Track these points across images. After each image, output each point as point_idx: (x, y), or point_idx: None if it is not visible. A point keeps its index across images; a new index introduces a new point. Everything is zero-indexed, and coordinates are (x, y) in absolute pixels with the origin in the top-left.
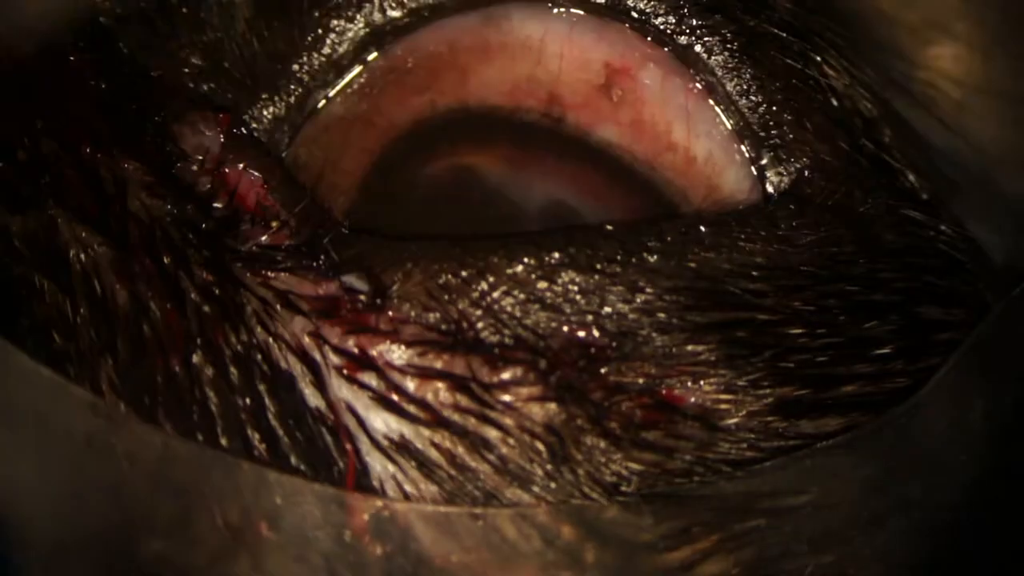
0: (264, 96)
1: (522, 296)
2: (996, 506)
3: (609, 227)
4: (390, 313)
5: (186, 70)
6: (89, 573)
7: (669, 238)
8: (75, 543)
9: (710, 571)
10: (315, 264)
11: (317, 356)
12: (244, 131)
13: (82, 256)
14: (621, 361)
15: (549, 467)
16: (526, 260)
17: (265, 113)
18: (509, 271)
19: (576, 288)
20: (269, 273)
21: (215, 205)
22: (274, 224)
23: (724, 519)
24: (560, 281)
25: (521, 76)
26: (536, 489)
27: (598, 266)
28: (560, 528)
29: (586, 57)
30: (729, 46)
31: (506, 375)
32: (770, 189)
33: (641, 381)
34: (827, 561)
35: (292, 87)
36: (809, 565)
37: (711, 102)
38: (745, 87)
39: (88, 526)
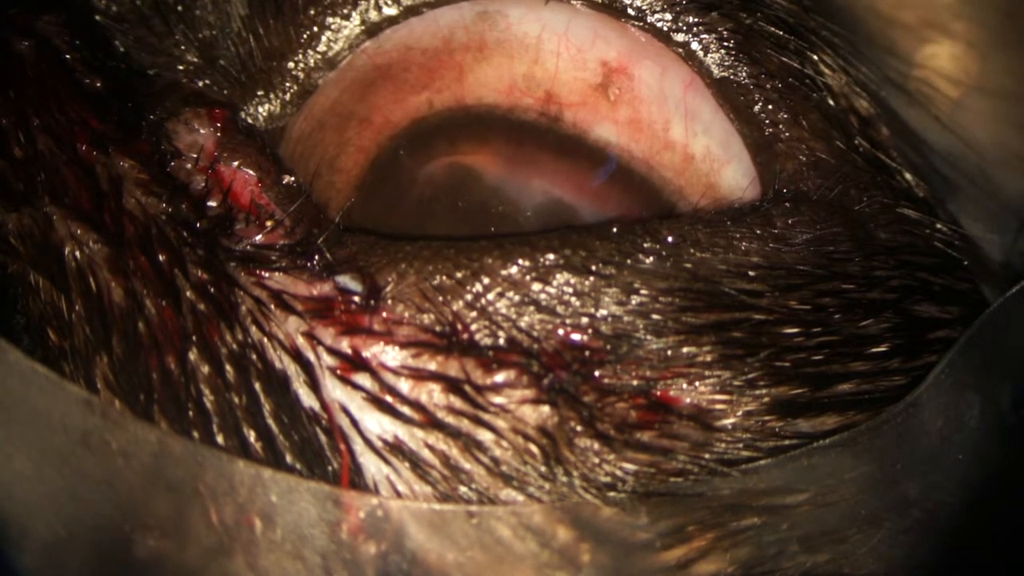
0: (260, 94)
1: (516, 298)
2: (995, 504)
3: (604, 228)
4: (384, 314)
5: (181, 68)
6: (84, 569)
7: (664, 239)
8: (70, 539)
9: (706, 570)
10: (309, 264)
11: (311, 356)
12: (239, 129)
13: (77, 253)
14: (616, 363)
15: (543, 468)
16: (521, 261)
17: (260, 111)
18: (504, 272)
19: (571, 290)
20: (263, 272)
21: (210, 203)
22: (269, 223)
23: (720, 518)
24: (555, 283)
25: (518, 74)
26: (530, 490)
27: (593, 268)
28: (555, 528)
29: (583, 55)
30: (726, 44)
31: (500, 377)
32: (767, 187)
33: (636, 383)
34: (823, 560)
35: (288, 85)
36: (806, 564)
37: (708, 100)
38: (742, 85)
39: (83, 522)
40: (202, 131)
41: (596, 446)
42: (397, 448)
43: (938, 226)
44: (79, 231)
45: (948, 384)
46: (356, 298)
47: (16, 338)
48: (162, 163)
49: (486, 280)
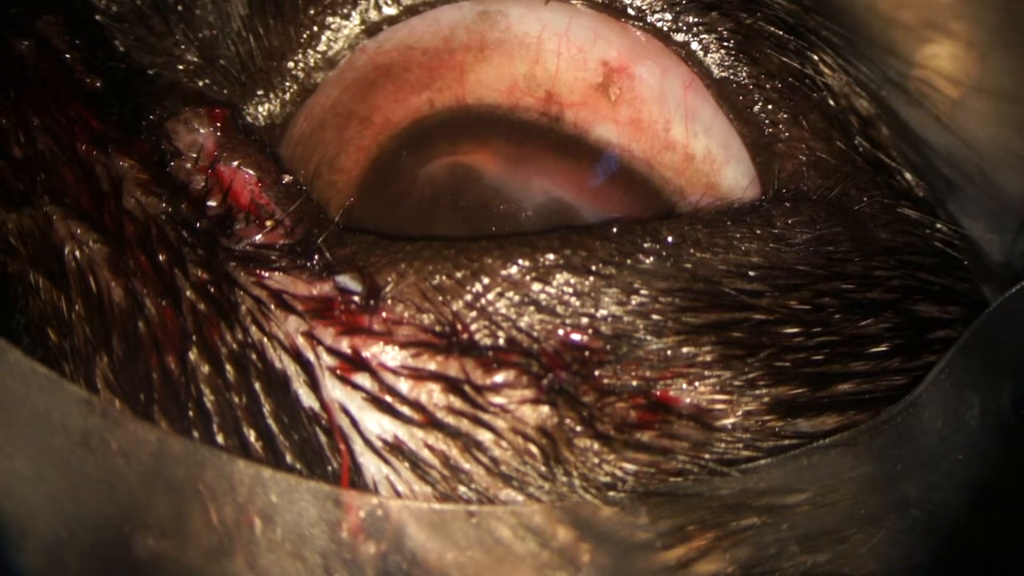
0: (260, 93)
1: (516, 298)
2: (995, 504)
3: (604, 228)
4: (384, 314)
5: (181, 67)
6: (85, 569)
7: (664, 239)
8: (71, 539)
9: (706, 570)
10: (309, 264)
11: (311, 356)
12: (239, 129)
13: (77, 253)
14: (615, 363)
15: (543, 468)
16: (520, 261)
17: (260, 110)
18: (504, 272)
19: (571, 290)
20: (263, 272)
21: (210, 203)
22: (268, 223)
23: (720, 517)
24: (555, 283)
25: (519, 74)
26: (530, 490)
27: (593, 268)
28: (555, 528)
29: (583, 55)
30: (726, 44)
31: (499, 377)
32: (767, 187)
33: (635, 383)
34: (823, 560)
35: (288, 84)
36: (806, 564)
37: (708, 100)
38: (742, 85)
39: (84, 522)
40: (202, 131)
41: (596, 446)
42: (397, 448)
43: (938, 226)
44: (79, 231)
45: (948, 384)
46: (356, 298)
47: (16, 338)
48: (162, 163)
49: (486, 280)
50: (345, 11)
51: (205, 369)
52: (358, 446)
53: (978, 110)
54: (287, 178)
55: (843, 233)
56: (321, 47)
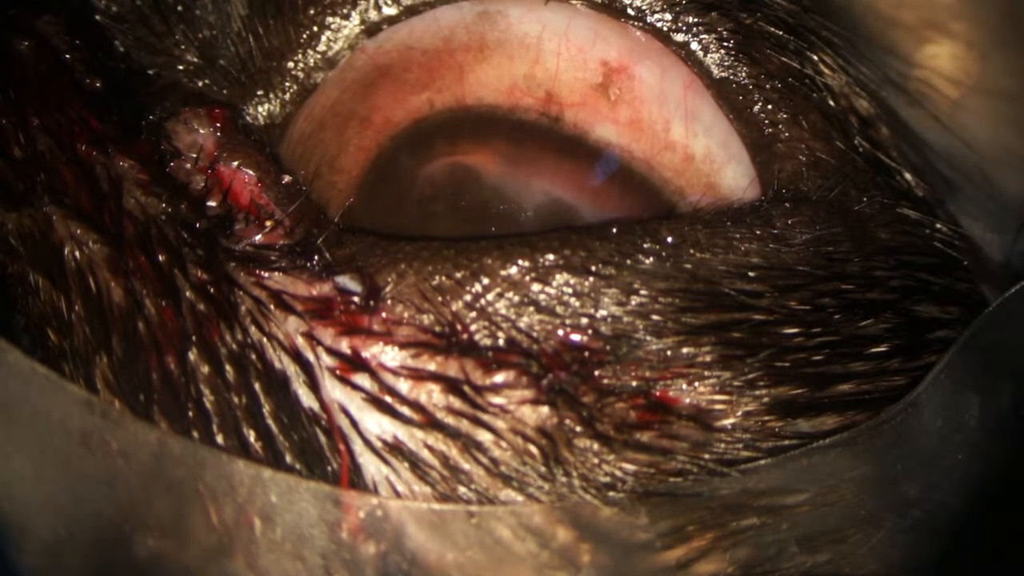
0: (259, 93)
1: (516, 298)
2: (995, 504)
3: (604, 228)
4: (383, 314)
5: (181, 68)
6: (85, 569)
7: (664, 239)
8: (71, 539)
9: (706, 570)
10: (309, 264)
11: (311, 357)
12: (239, 129)
13: (77, 253)
14: (615, 364)
15: (542, 469)
16: (520, 262)
17: (260, 110)
18: (503, 273)
19: (570, 290)
20: (263, 272)
21: (209, 203)
22: (268, 223)
23: (720, 518)
24: (554, 283)
25: (519, 75)
26: (530, 491)
27: (592, 268)
28: (555, 529)
29: (583, 55)
30: (726, 44)
31: (499, 378)
32: (767, 187)
33: (635, 383)
34: (823, 560)
35: (287, 84)
36: (805, 564)
37: (709, 100)
38: (742, 85)
39: (83, 523)
40: (202, 131)
41: (595, 446)
42: (396, 448)
43: (938, 226)
44: (79, 231)
45: (947, 384)
46: (355, 298)
47: (16, 338)
48: (162, 163)
49: (486, 280)
50: (345, 11)
51: (205, 369)
52: (358, 446)
53: (978, 110)
54: (287, 178)
55: (843, 233)
56: (321, 47)
